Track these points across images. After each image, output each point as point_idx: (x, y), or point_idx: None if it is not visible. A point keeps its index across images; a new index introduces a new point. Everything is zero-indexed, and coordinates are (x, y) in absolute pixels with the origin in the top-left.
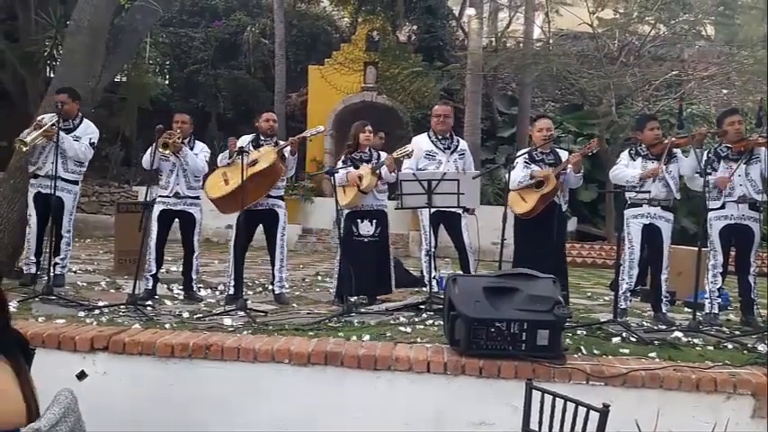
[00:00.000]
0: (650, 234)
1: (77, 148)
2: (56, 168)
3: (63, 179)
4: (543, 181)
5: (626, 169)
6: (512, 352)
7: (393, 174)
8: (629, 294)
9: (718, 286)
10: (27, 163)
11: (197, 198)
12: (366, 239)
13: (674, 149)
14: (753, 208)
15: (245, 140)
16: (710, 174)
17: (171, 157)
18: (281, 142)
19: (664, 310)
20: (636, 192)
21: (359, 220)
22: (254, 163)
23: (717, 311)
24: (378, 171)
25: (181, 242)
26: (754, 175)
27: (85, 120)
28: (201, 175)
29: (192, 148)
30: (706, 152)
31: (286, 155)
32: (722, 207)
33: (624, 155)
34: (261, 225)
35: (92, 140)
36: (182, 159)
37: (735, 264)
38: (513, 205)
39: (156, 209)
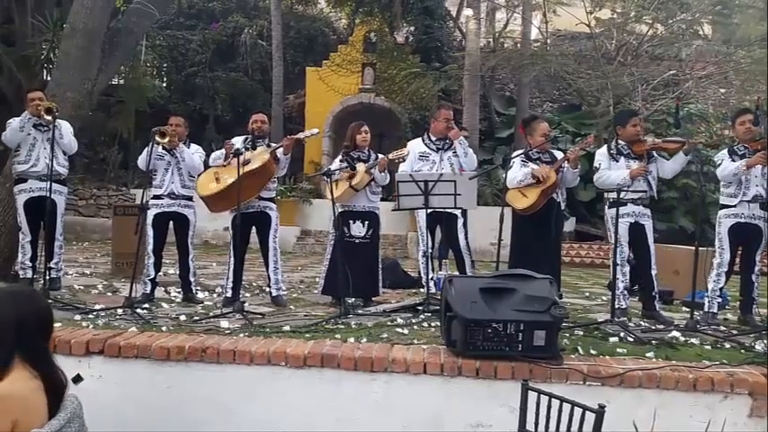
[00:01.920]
0: (635, 232)
1: (71, 137)
2: (51, 165)
3: (56, 180)
4: (541, 178)
5: (612, 172)
6: (508, 353)
7: (383, 174)
8: (626, 293)
9: (720, 286)
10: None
11: (190, 199)
12: (357, 240)
13: (661, 152)
14: (763, 207)
15: (237, 141)
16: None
17: (166, 155)
18: (273, 144)
19: (657, 308)
20: (626, 191)
21: (351, 221)
22: (246, 163)
23: (715, 311)
24: (371, 171)
25: (176, 244)
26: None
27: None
28: (197, 173)
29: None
30: (726, 150)
31: (279, 155)
32: (735, 206)
33: (602, 156)
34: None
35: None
36: (177, 156)
37: (740, 262)
38: (514, 201)
39: (150, 213)
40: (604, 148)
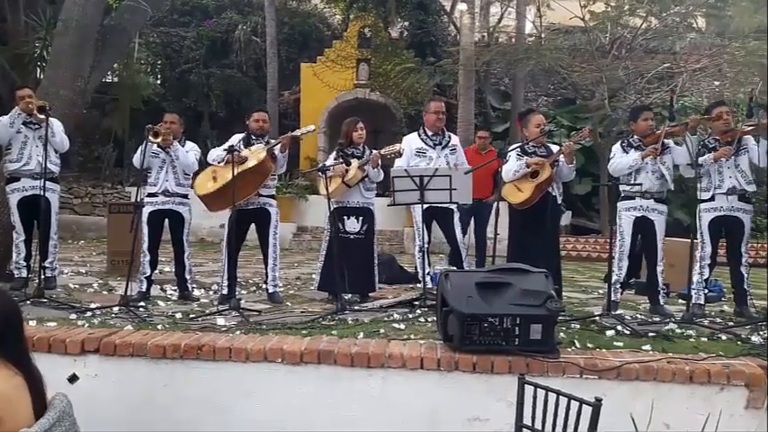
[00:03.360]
0: (643, 227)
1: (62, 135)
2: (44, 164)
3: (49, 178)
4: (538, 171)
5: (623, 157)
6: (505, 347)
7: (377, 170)
8: (618, 287)
9: (705, 278)
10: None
11: (185, 197)
12: (352, 236)
13: (666, 140)
14: (742, 199)
15: (235, 139)
16: (700, 165)
17: (161, 153)
18: (272, 141)
19: (661, 303)
20: (630, 185)
21: (345, 217)
22: (243, 161)
23: (702, 302)
24: (364, 167)
25: (171, 242)
26: (744, 166)
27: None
28: (191, 171)
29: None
30: (697, 143)
31: (276, 153)
32: (711, 199)
33: (616, 148)
34: (253, 224)
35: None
36: (172, 155)
37: (726, 255)
38: (509, 196)
39: (145, 211)
40: (619, 142)
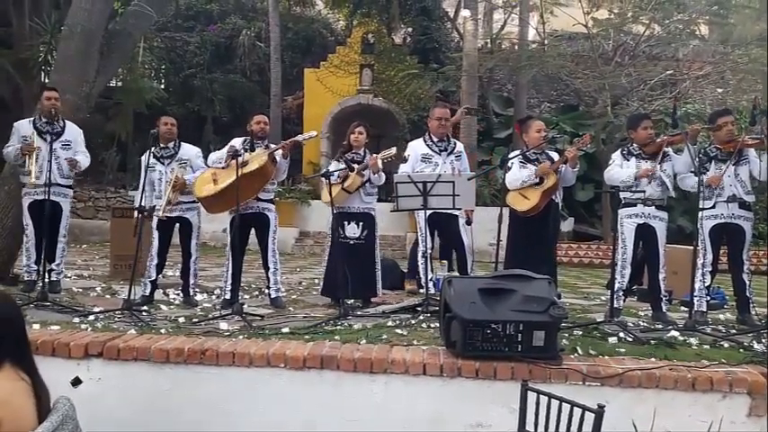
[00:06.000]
0: (645, 234)
1: (84, 162)
2: (50, 176)
3: (59, 185)
4: (543, 177)
5: (620, 170)
6: (508, 353)
7: (377, 175)
8: (620, 294)
9: (706, 284)
10: (19, 173)
11: (194, 202)
12: (352, 242)
13: (667, 148)
14: (743, 207)
15: (236, 142)
16: (703, 173)
17: (157, 164)
18: (273, 145)
19: (663, 309)
20: (631, 192)
21: (345, 222)
22: (244, 164)
23: (705, 310)
24: (362, 172)
25: (179, 247)
26: (744, 176)
27: (67, 121)
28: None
29: (177, 153)
30: (698, 152)
31: (277, 158)
32: (713, 206)
33: (616, 155)
34: (252, 228)
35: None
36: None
37: (728, 262)
38: (515, 204)
39: (155, 217)
40: (619, 150)
